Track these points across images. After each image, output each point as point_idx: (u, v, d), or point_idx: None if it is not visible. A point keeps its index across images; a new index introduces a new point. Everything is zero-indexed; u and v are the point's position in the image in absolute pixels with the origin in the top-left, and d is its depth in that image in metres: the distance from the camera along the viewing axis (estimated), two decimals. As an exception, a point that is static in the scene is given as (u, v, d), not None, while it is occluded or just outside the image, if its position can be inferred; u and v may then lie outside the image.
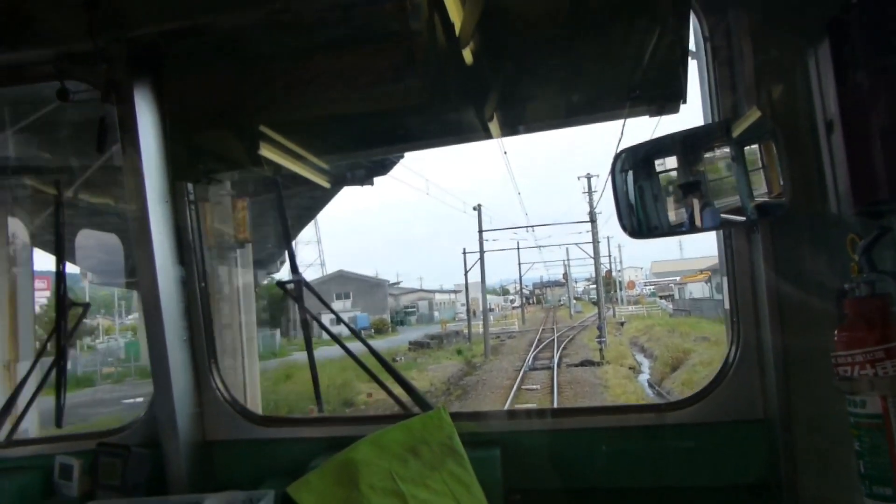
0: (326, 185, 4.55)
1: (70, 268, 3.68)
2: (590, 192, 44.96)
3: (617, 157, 2.49)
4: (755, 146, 2.43)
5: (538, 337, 50.18)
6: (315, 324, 3.45)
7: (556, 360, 35.14)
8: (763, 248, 2.48)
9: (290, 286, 3.36)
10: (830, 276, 2.20)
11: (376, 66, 3.39)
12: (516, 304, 79.70)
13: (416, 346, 44.06)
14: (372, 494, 2.48)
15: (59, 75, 3.03)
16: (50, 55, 3.06)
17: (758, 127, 2.41)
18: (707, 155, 2.53)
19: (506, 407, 21.55)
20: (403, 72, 3.38)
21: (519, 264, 66.68)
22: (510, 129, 3.66)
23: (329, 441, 3.00)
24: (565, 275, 72.72)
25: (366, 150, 3.87)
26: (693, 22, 2.71)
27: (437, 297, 76.24)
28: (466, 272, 51.25)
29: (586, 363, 33.63)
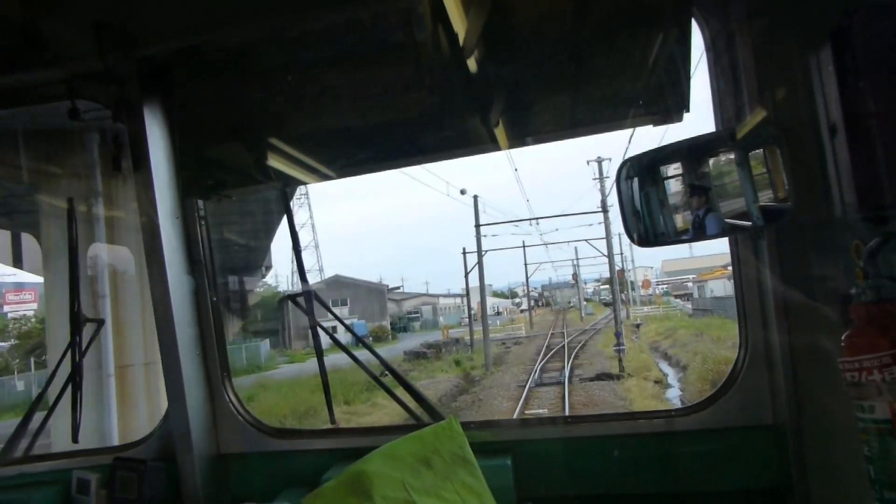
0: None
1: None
2: (601, 177, 40.99)
3: (622, 165, 2.51)
4: (760, 152, 2.44)
5: (546, 343, 47.03)
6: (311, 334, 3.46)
7: (566, 372, 30.90)
8: (769, 253, 2.50)
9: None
10: (837, 280, 2.21)
11: (383, 78, 3.42)
12: (524, 306, 77.01)
13: (412, 356, 41.14)
14: None
15: (70, 95, 3.08)
16: (61, 75, 3.11)
17: (762, 133, 2.42)
18: (712, 162, 2.53)
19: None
20: (410, 83, 3.40)
21: (525, 265, 63.18)
22: (516, 139, 3.67)
23: (342, 452, 3.03)
24: (575, 275, 70.01)
25: (374, 163, 3.89)
26: (696, 30, 2.73)
27: (442, 301, 73.69)
28: (467, 273, 48.07)
29: (603, 377, 29.34)
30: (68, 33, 2.98)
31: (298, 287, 3.39)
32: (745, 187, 2.40)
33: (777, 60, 2.43)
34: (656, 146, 2.59)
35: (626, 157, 2.55)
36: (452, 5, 2.90)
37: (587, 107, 3.50)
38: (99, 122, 3.20)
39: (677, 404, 23.05)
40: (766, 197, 2.38)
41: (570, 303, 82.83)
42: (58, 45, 3.04)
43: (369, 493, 2.51)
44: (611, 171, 39.14)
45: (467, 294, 49.81)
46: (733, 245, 2.72)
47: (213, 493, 3.16)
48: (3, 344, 39.29)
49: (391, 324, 60.59)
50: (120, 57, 2.95)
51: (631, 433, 2.88)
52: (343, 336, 3.32)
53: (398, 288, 70.02)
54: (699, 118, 2.90)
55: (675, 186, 2.53)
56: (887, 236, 1.86)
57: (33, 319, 37.68)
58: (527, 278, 64.16)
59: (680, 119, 3.24)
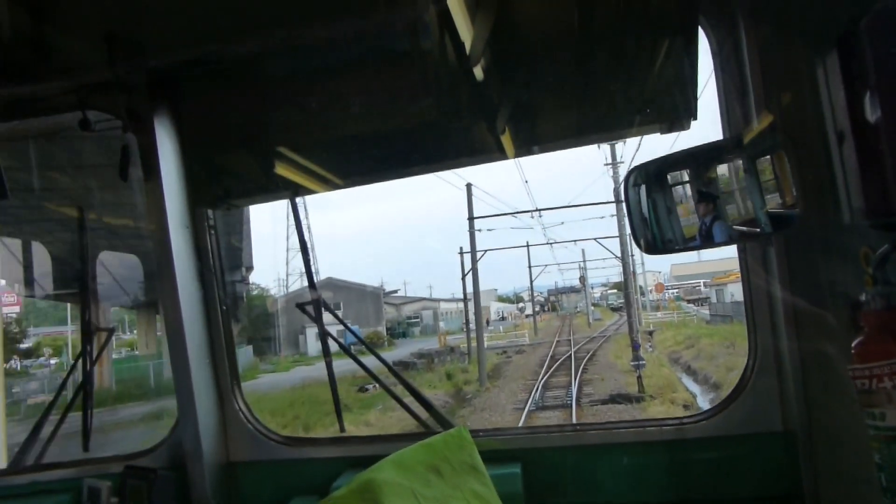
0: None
1: None
2: (614, 162, 35.40)
3: (630, 172, 2.51)
4: (767, 159, 2.44)
5: (551, 352, 42.09)
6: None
7: (574, 390, 26.58)
8: (777, 260, 2.50)
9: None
10: (846, 287, 2.20)
11: (390, 87, 3.44)
12: (528, 311, 73.72)
13: (401, 367, 34.50)
14: None
15: (80, 106, 3.10)
16: (71, 86, 3.14)
17: (769, 140, 2.42)
18: (720, 168, 2.54)
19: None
20: (416, 91, 3.42)
21: (529, 267, 59.41)
22: (523, 147, 3.68)
23: (351, 460, 3.04)
24: (582, 278, 66.51)
25: (382, 172, 3.90)
26: (703, 38, 2.74)
27: (444, 305, 69.95)
28: (464, 275, 42.52)
29: (619, 399, 24.66)
30: (79, 44, 3.00)
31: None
32: (753, 194, 2.40)
33: (784, 67, 2.43)
34: (664, 153, 2.60)
35: (633, 165, 2.56)
36: (459, 14, 2.91)
37: (594, 115, 3.51)
38: (109, 132, 3.20)
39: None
40: (774, 204, 2.38)
41: (576, 307, 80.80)
42: (68, 56, 3.07)
43: (379, 502, 2.51)
44: (624, 153, 35.66)
45: (465, 297, 45.02)
46: (741, 252, 2.72)
47: (223, 501, 3.17)
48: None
49: (390, 329, 58.32)
50: (130, 67, 2.97)
51: (640, 441, 2.88)
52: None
53: (396, 291, 67.22)
54: (707, 125, 2.90)
55: (683, 194, 2.54)
56: None
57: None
58: (531, 281, 61.33)
59: (687, 126, 3.24)
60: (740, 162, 2.50)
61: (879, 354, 1.73)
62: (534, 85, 3.37)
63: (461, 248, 43.19)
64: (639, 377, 26.90)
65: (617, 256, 39.10)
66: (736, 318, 36.29)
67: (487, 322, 70.76)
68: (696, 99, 3.06)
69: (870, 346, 1.77)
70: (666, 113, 3.29)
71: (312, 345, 46.36)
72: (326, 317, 3.44)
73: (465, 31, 2.99)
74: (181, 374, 3.11)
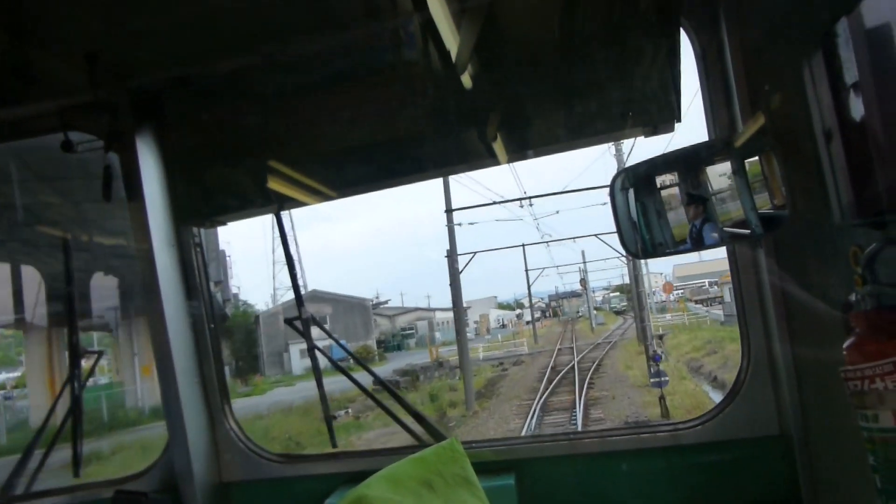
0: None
1: None
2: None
3: (616, 176, 2.49)
4: (756, 159, 2.42)
5: (552, 362, 37.62)
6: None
7: (579, 414, 22.76)
8: (768, 262, 2.48)
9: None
10: (837, 287, 2.18)
11: (376, 98, 3.43)
12: (527, 318, 69.41)
13: (379, 388, 33.13)
14: None
15: (62, 127, 3.08)
16: (53, 108, 3.12)
17: (756, 141, 2.41)
18: (708, 170, 2.52)
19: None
20: (404, 101, 3.40)
21: (526, 271, 54.47)
22: (512, 153, 3.67)
23: (345, 476, 3.01)
24: (583, 280, 62.44)
25: (370, 183, 3.89)
26: (686, 41, 2.73)
27: (440, 315, 65.06)
28: (453, 281, 37.00)
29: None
30: (59, 66, 2.99)
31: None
32: (743, 195, 2.38)
33: (769, 68, 2.42)
34: (651, 156, 2.58)
35: (620, 168, 2.54)
36: (443, 23, 2.90)
37: (581, 119, 3.49)
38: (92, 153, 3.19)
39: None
40: (763, 204, 2.37)
41: (578, 312, 79.82)
42: (49, 77, 3.06)
43: None
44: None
45: (454, 304, 40.02)
46: (731, 255, 2.70)
47: None
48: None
49: (383, 342, 55.51)
50: (111, 88, 2.96)
51: (636, 448, 2.85)
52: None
53: (386, 302, 63.66)
54: (694, 128, 2.89)
55: (671, 197, 2.52)
56: (885, 242, 1.84)
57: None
58: (528, 286, 57.56)
59: (672, 129, 3.24)
60: (729, 163, 2.48)
61: (871, 355, 1.70)
62: (521, 91, 3.36)
63: (447, 251, 37.56)
64: (661, 398, 22.37)
65: (621, 254, 36.12)
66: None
67: (488, 330, 70.02)
68: (679, 101, 3.05)
69: (861, 347, 1.75)
70: (651, 116, 3.28)
71: (297, 363, 44.43)
72: (315, 332, 3.40)
73: (451, 40, 2.98)
74: (170, 395, 3.08)
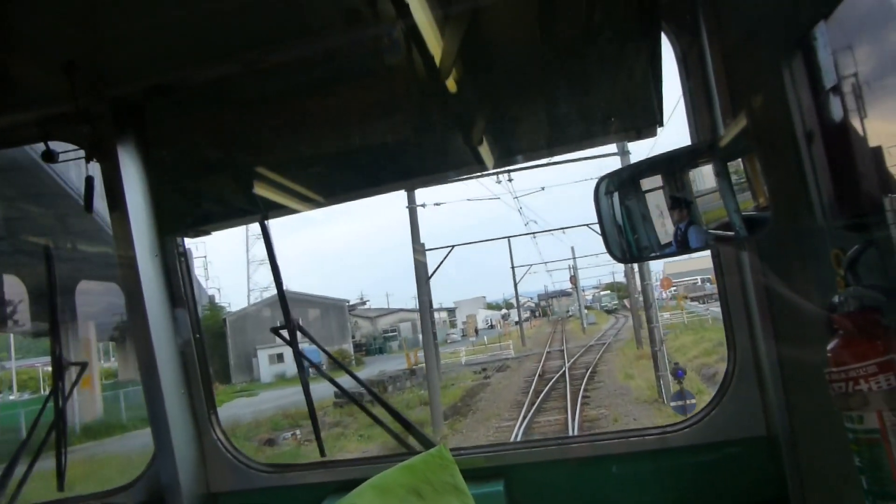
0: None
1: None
2: None
3: (600, 181, 2.50)
4: (739, 162, 2.44)
5: (540, 368, 34.16)
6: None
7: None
8: (752, 264, 2.49)
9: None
10: (821, 289, 2.20)
11: (360, 105, 3.41)
12: (515, 318, 66.55)
13: (341, 401, 27.48)
14: None
15: (43, 137, 3.05)
16: (34, 117, 3.09)
17: (739, 143, 2.42)
18: (691, 174, 2.53)
19: None
20: (388, 108, 3.40)
21: (513, 268, 52.70)
22: (498, 159, 3.67)
23: (334, 485, 2.99)
24: (573, 278, 60.60)
25: (356, 190, 3.87)
26: (667, 45, 2.74)
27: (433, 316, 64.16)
28: (429, 277, 32.56)
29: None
30: (40, 75, 2.96)
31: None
32: (726, 198, 2.39)
33: (749, 71, 2.43)
34: (635, 161, 2.60)
35: (604, 174, 2.54)
36: (427, 29, 2.90)
37: (564, 124, 3.50)
38: (73, 162, 3.15)
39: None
40: (747, 206, 2.38)
41: (568, 312, 79.00)
42: (29, 86, 3.03)
43: None
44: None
45: (425, 305, 35.51)
46: (715, 257, 2.71)
47: None
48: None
49: (364, 346, 53.76)
50: (92, 97, 2.93)
51: (624, 452, 2.85)
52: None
53: (364, 303, 61.54)
54: (678, 131, 2.90)
55: (656, 200, 2.53)
56: (867, 244, 1.85)
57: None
58: (514, 283, 54.73)
59: (654, 134, 3.26)
60: (712, 166, 2.49)
61: (854, 357, 1.71)
62: (505, 97, 3.36)
63: (423, 245, 33.55)
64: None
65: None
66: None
67: (476, 331, 69.45)
68: (662, 106, 3.06)
69: (845, 348, 1.76)
70: (634, 120, 3.29)
71: (266, 369, 43.36)
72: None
73: (435, 46, 2.98)
74: (156, 406, 3.05)
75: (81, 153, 3.05)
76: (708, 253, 2.85)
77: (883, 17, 1.84)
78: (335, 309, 51.55)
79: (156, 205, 3.18)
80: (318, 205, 3.93)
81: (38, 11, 2.58)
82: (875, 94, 1.93)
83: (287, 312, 3.33)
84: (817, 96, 2.09)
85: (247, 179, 3.52)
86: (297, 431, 24.51)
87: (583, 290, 66.48)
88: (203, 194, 3.65)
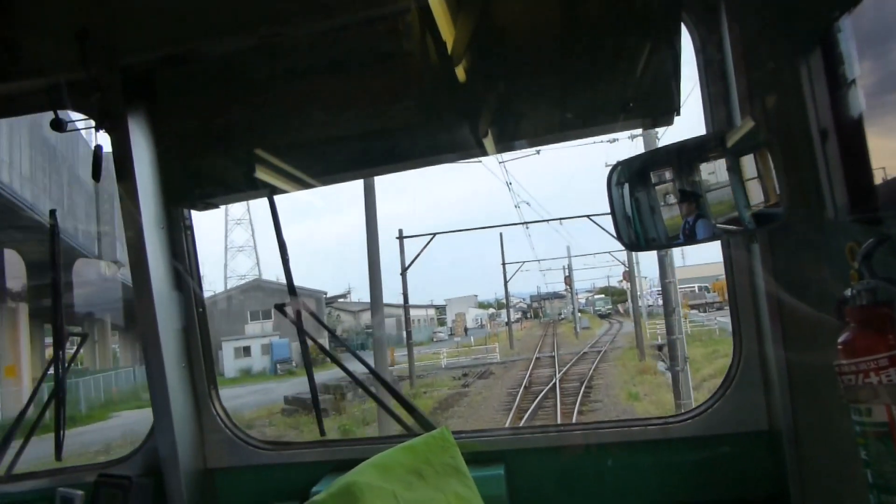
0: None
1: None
2: None
3: (613, 169, 2.50)
4: (751, 156, 2.44)
5: (527, 378, 30.24)
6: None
7: None
8: (762, 257, 2.49)
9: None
10: (831, 283, 2.20)
11: (371, 87, 3.40)
12: (503, 318, 64.49)
13: (296, 405, 25.47)
14: None
15: (52, 105, 3.03)
16: (43, 85, 3.07)
17: (753, 136, 2.42)
18: (703, 166, 2.53)
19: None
20: (398, 92, 3.39)
21: (503, 265, 50.83)
22: (506, 145, 3.67)
23: (332, 464, 2.99)
24: (567, 278, 60.02)
25: (361, 171, 3.87)
26: (686, 34, 2.74)
27: (411, 312, 58.59)
28: (406, 269, 31.07)
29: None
30: (50, 43, 2.95)
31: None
32: (737, 191, 2.39)
33: (767, 64, 2.43)
34: (647, 150, 2.60)
35: (616, 162, 2.54)
36: (440, 13, 2.89)
37: (577, 111, 3.49)
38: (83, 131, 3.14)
39: None
40: (757, 201, 2.38)
41: (560, 314, 78.44)
42: (40, 55, 3.01)
43: None
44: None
45: (405, 301, 34.21)
46: (726, 249, 2.71)
47: None
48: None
49: (345, 341, 50.42)
50: (103, 66, 2.92)
51: (625, 441, 2.86)
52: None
53: (344, 295, 58.43)
54: (691, 122, 2.89)
55: (666, 191, 2.53)
56: (882, 238, 1.86)
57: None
58: (505, 282, 52.58)
59: (670, 122, 3.24)
60: (724, 158, 2.49)
61: (865, 349, 1.72)
62: (517, 83, 3.35)
63: (400, 231, 32.55)
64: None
65: (614, 250, 32.26)
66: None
67: (465, 331, 68.64)
68: (679, 95, 3.05)
69: (856, 341, 1.76)
70: (650, 108, 3.28)
71: (231, 363, 41.21)
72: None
73: (447, 31, 2.97)
74: (157, 379, 3.05)
75: (91, 123, 3.04)
76: (702, 261, 2.86)
77: None
78: (311, 300, 46.44)
79: (163, 176, 3.17)
80: (326, 182, 3.92)
81: None
82: (893, 90, 1.94)
83: (293, 293, 3.32)
84: (834, 90, 2.09)
85: (254, 155, 3.51)
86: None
87: (576, 293, 65.59)
88: (211, 167, 3.63)
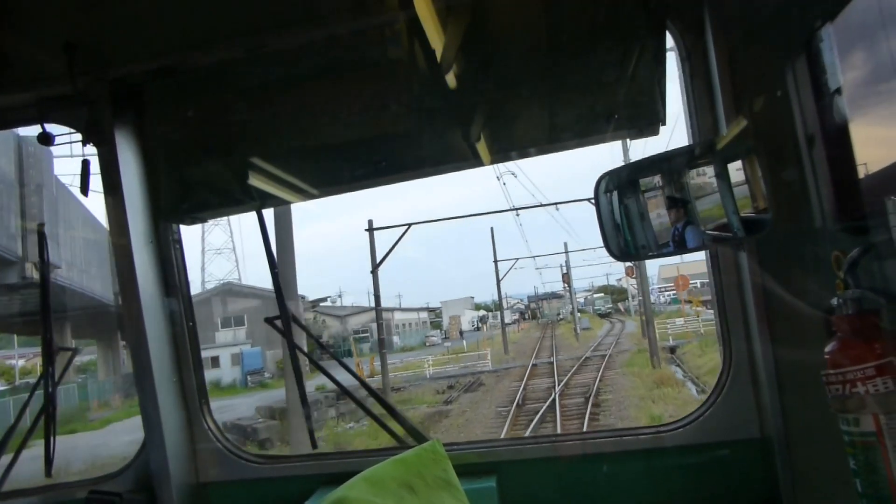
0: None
1: None
2: None
3: (600, 179, 2.49)
4: (738, 163, 2.44)
5: (522, 391, 26.41)
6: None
7: None
8: (750, 264, 2.50)
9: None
10: (819, 291, 2.20)
11: (360, 96, 3.40)
12: (499, 320, 57.43)
13: (235, 433, 22.02)
14: None
15: (40, 119, 3.02)
16: (30, 98, 3.06)
17: (740, 144, 2.42)
18: (691, 174, 2.53)
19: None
20: (387, 100, 3.38)
21: (495, 262, 47.01)
22: (497, 154, 3.66)
23: (325, 477, 2.98)
24: (565, 276, 57.53)
25: (352, 182, 3.86)
26: (671, 43, 2.74)
27: (399, 315, 58.51)
28: (374, 269, 28.57)
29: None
30: (37, 55, 2.93)
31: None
32: (725, 199, 2.39)
33: (753, 72, 2.44)
34: (635, 159, 2.60)
35: (604, 172, 2.54)
36: (429, 21, 2.89)
37: (565, 121, 3.50)
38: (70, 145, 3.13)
39: None
40: (746, 208, 2.38)
41: (559, 315, 76.80)
42: (26, 67, 3.00)
43: None
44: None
45: (377, 299, 30.81)
46: (713, 257, 2.72)
47: None
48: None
49: (331, 347, 48.48)
50: (91, 79, 2.91)
51: (617, 451, 2.85)
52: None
53: (325, 299, 54.52)
54: (678, 130, 2.89)
55: (654, 200, 2.53)
56: (867, 247, 1.86)
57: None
58: (497, 280, 48.26)
59: (656, 132, 3.24)
60: (712, 166, 2.49)
61: (852, 359, 1.72)
62: (506, 92, 3.35)
63: (370, 222, 30.56)
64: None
65: None
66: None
67: (460, 334, 67.73)
68: (664, 104, 3.06)
69: (842, 351, 1.76)
70: (635, 118, 3.28)
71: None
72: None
73: (436, 39, 2.97)
74: (147, 394, 3.03)
75: (78, 136, 3.02)
76: (700, 258, 2.86)
77: (888, 20, 1.84)
78: (289, 304, 47.64)
79: (152, 190, 3.16)
80: (316, 196, 3.90)
81: None
82: (879, 98, 1.94)
83: (282, 303, 3.31)
84: (821, 98, 2.09)
85: (244, 167, 3.49)
86: None
87: (575, 293, 64.07)
88: (200, 181, 3.62)
